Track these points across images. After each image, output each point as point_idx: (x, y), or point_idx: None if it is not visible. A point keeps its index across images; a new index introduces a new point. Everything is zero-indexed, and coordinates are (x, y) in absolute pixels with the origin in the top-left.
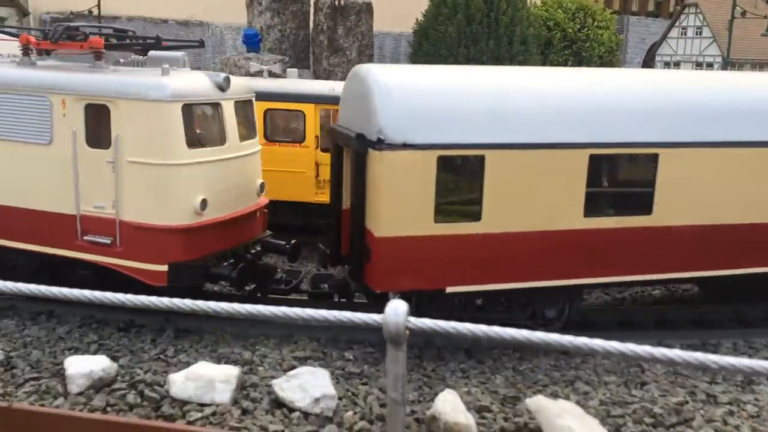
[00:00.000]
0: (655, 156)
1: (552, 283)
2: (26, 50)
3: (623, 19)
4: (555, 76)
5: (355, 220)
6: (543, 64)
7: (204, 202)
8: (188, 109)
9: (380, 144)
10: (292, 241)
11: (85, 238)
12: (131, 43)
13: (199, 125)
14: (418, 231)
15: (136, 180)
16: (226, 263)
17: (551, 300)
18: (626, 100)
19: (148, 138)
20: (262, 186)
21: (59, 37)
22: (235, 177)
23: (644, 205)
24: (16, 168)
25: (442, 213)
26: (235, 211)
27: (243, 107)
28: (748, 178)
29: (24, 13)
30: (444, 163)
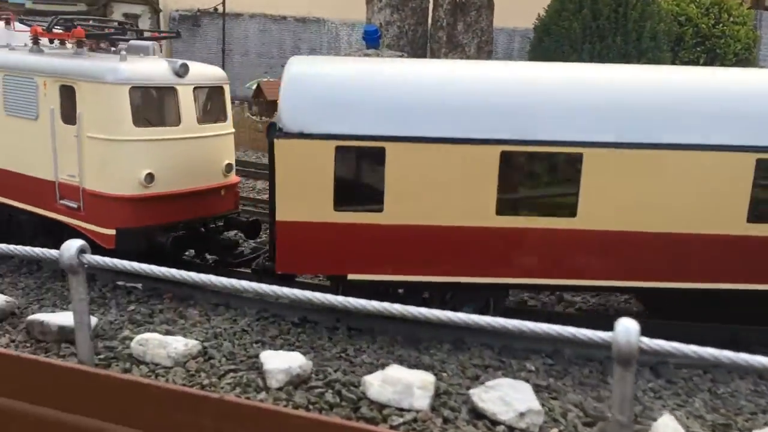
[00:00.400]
0: (580, 156)
1: (461, 279)
2: (35, 39)
3: (758, 14)
4: (474, 69)
5: (269, 205)
6: (673, 62)
7: (150, 176)
8: (136, 92)
9: (279, 132)
10: (251, 219)
11: (61, 202)
12: (104, 33)
13: (151, 106)
14: (317, 218)
15: (93, 153)
16: (174, 234)
17: (472, 298)
18: (547, 96)
19: (101, 116)
20: (229, 166)
21: (50, 28)
22: (191, 155)
23: (568, 207)
24: (20, 139)
25: (342, 202)
26: (188, 188)
27: (207, 93)
28: (681, 184)
29: (156, 10)
30: (343, 154)
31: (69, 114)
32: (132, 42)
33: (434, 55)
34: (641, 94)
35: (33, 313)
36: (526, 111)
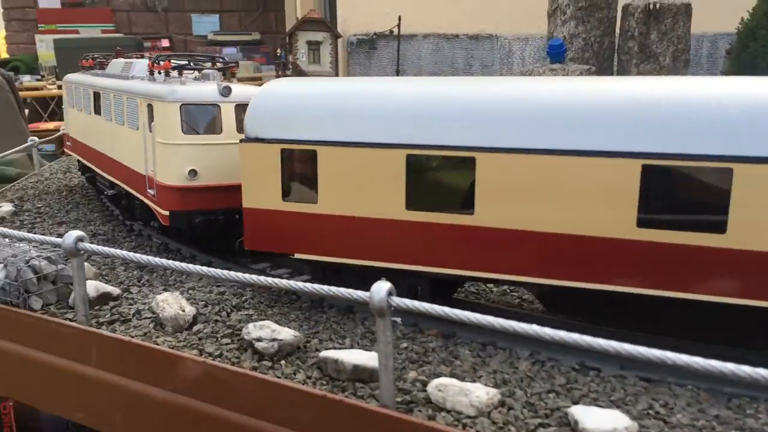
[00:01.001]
0: (473, 159)
1: (381, 264)
2: (150, 71)
3: None
4: (400, 83)
5: None
6: None
7: (193, 172)
8: (186, 107)
9: (243, 138)
10: None
11: (148, 190)
12: (180, 65)
13: (198, 119)
14: (270, 206)
15: (159, 154)
16: (205, 217)
17: (399, 283)
18: (445, 105)
19: (163, 126)
20: None
21: (155, 62)
22: (229, 157)
23: (466, 205)
24: (131, 144)
25: (288, 194)
26: (225, 182)
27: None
28: (571, 188)
29: (336, 36)
30: (287, 155)
31: (150, 125)
32: (204, 70)
33: (623, 66)
34: (533, 103)
35: (316, 349)
36: (429, 119)
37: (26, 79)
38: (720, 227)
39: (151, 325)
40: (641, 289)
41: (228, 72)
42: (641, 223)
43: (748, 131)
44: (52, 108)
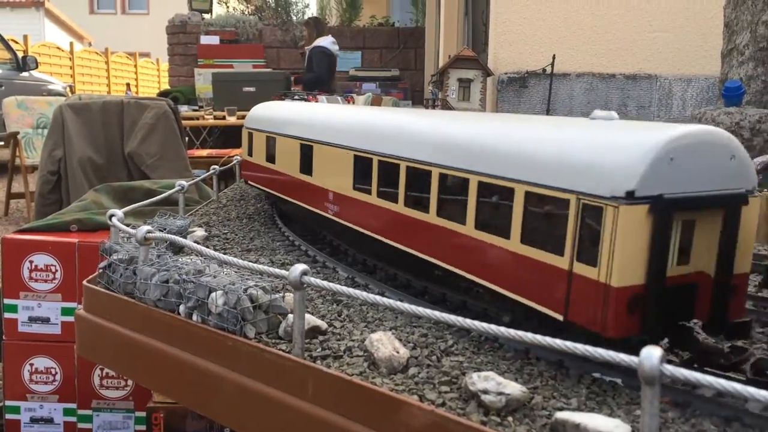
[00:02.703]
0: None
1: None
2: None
3: None
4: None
5: None
6: None
7: None
8: None
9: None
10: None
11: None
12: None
13: None
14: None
15: None
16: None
17: None
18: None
19: None
20: None
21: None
22: None
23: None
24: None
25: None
26: None
27: None
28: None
29: (488, 73)
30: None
31: None
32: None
33: None
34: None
35: (543, 407)
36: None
37: (184, 109)
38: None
39: (365, 364)
40: None
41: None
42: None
43: None
44: (204, 136)
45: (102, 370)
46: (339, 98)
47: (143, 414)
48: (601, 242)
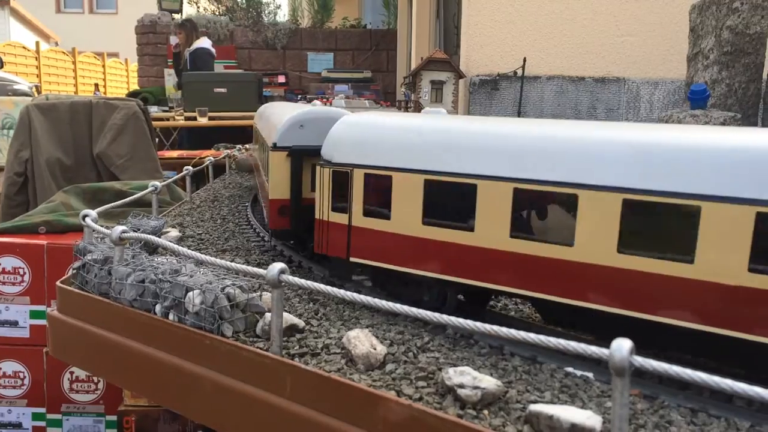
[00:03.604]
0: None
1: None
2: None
3: None
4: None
5: None
6: None
7: None
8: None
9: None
10: None
11: None
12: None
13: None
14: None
15: None
16: None
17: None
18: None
19: None
20: None
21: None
22: None
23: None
24: None
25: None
26: None
27: None
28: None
29: (460, 75)
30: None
31: None
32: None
33: None
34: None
35: (517, 401)
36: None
37: (153, 110)
38: None
39: (343, 361)
40: None
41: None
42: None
43: None
44: (174, 137)
45: (72, 373)
46: (367, 102)
47: (114, 418)
48: None
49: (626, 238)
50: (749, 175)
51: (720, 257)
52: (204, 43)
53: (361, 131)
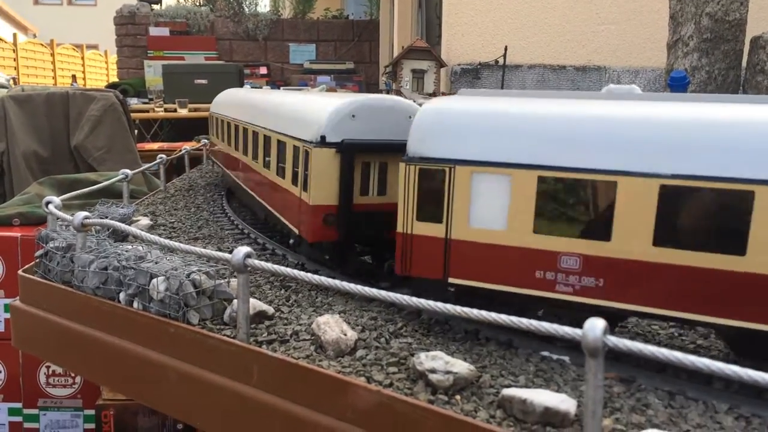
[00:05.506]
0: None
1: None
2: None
3: None
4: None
5: None
6: None
7: None
8: None
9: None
10: None
11: None
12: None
13: None
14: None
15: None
16: None
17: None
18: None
19: None
20: None
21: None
22: None
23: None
24: None
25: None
26: None
27: None
28: None
29: (441, 65)
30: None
31: None
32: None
33: None
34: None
35: (490, 385)
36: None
37: (133, 102)
38: None
39: (312, 348)
40: None
41: None
42: None
43: None
44: (155, 130)
45: (48, 367)
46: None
47: (92, 412)
48: None
49: None
50: None
51: None
52: None
53: (467, 120)
